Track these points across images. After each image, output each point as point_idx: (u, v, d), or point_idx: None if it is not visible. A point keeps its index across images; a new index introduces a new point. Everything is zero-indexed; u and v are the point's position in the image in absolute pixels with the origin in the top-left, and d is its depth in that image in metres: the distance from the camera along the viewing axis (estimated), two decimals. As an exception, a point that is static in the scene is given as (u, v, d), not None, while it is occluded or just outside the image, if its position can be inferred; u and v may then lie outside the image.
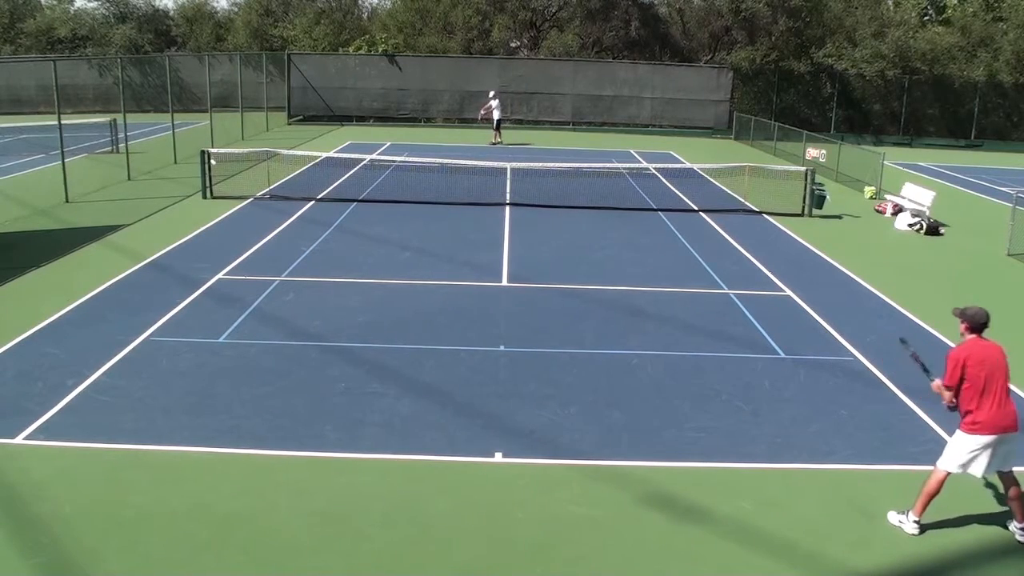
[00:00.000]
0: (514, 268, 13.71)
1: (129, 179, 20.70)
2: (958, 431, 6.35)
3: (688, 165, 24.52)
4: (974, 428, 6.22)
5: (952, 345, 10.49)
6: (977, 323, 6.40)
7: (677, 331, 10.98)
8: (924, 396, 8.91)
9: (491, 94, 30.64)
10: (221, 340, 10.07)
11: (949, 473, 6.39)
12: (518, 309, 11.71)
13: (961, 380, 6.25)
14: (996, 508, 6.90)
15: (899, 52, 36.52)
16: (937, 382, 6.46)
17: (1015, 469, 6.43)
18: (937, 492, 6.41)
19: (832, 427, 8.29)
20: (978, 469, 6.30)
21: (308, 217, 17.10)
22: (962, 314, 6.51)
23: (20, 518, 6.33)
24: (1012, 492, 6.42)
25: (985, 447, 6.21)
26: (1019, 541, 6.43)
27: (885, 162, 22.22)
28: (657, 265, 14.31)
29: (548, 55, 38.55)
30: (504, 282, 12.99)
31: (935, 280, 14.24)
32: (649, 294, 12.57)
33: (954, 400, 6.33)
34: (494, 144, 29.37)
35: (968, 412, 6.26)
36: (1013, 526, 6.52)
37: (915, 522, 6.49)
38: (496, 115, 29.74)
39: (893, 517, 6.63)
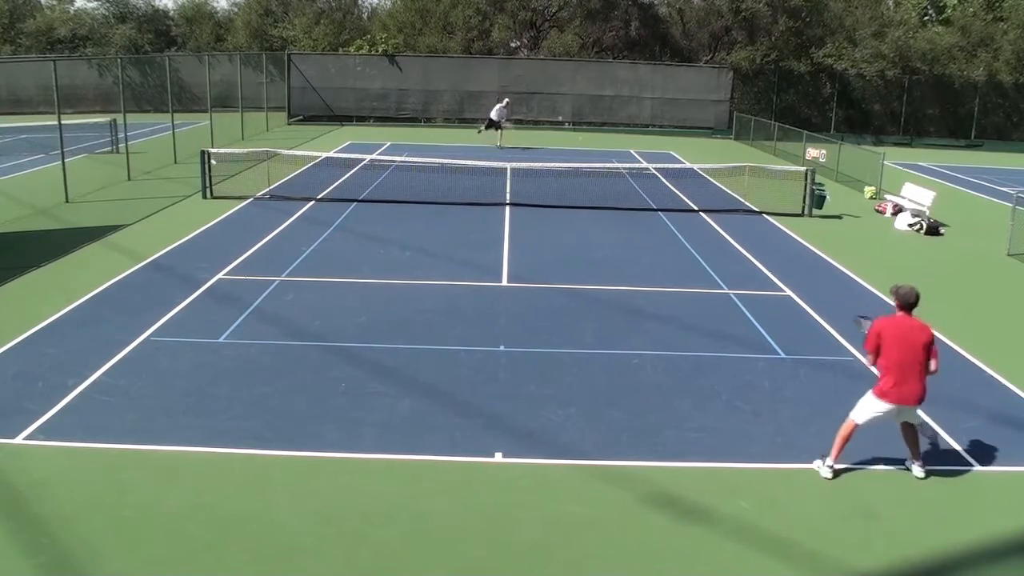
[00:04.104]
0: (514, 268, 13.70)
1: (129, 179, 20.70)
2: (869, 391, 7.20)
3: (688, 165, 24.52)
4: (880, 395, 7.09)
5: (955, 348, 10.51)
6: (906, 302, 7.13)
7: (677, 331, 10.97)
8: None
9: (506, 101, 30.32)
10: (221, 340, 10.07)
11: (858, 424, 7.22)
12: (518, 309, 11.70)
13: (879, 349, 7.06)
14: (996, 508, 6.90)
15: (899, 52, 36.54)
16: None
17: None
18: (848, 438, 7.24)
19: (832, 427, 8.22)
20: (878, 423, 7.23)
21: (308, 217, 17.10)
22: (895, 292, 7.24)
23: (20, 518, 6.33)
24: (908, 435, 7.33)
25: (887, 412, 7.11)
26: (917, 477, 7.28)
27: (885, 162, 22.22)
28: (657, 265, 14.31)
29: (548, 55, 38.56)
30: (504, 282, 12.99)
31: (935, 280, 14.23)
32: (649, 294, 12.57)
33: (875, 363, 7.18)
34: (501, 147, 29.12)
35: (880, 379, 7.12)
36: (908, 462, 7.39)
37: (829, 467, 7.27)
38: (495, 116, 29.61)
39: (816, 463, 7.38)
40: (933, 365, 7.05)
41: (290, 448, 7.53)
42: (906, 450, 7.40)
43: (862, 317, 7.61)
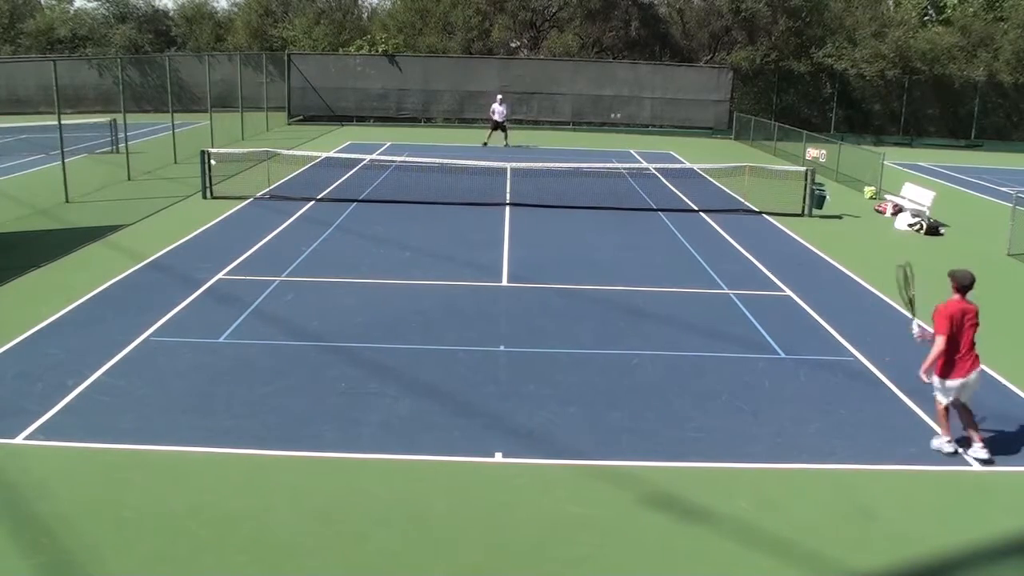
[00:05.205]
0: (514, 268, 13.70)
1: (129, 179, 20.70)
2: (941, 379, 7.62)
3: (688, 165, 24.52)
4: (959, 374, 7.54)
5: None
6: (961, 284, 7.70)
7: (677, 331, 10.97)
8: (924, 396, 8.92)
9: (499, 98, 30.30)
10: (221, 340, 10.07)
11: (947, 407, 7.67)
12: (518, 309, 11.70)
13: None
14: (995, 507, 6.90)
15: (899, 52, 36.53)
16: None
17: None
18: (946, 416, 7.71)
19: (832, 427, 8.29)
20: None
21: (308, 217, 17.10)
22: (952, 275, 7.87)
23: (20, 518, 6.33)
24: (967, 417, 7.71)
25: (963, 386, 7.56)
26: (978, 459, 7.59)
27: (885, 162, 22.22)
28: (657, 265, 14.31)
29: (548, 55, 38.55)
30: (504, 282, 12.99)
31: (935, 280, 14.19)
32: (649, 294, 12.57)
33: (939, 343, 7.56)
34: (506, 146, 29.06)
35: (948, 360, 7.59)
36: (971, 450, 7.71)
37: (948, 441, 7.71)
38: (498, 117, 29.52)
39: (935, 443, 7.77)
40: None
41: (290, 448, 7.53)
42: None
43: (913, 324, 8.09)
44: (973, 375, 7.55)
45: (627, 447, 7.78)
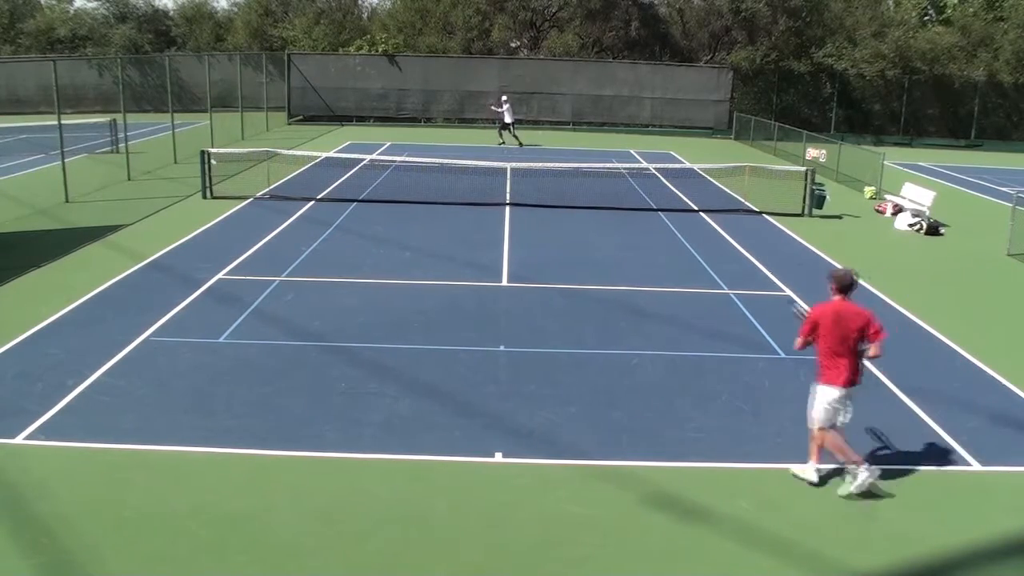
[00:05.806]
0: (514, 268, 13.70)
1: (129, 179, 20.70)
2: (821, 385, 7.01)
3: (688, 165, 24.53)
4: (832, 382, 6.92)
5: (955, 348, 10.53)
6: (841, 285, 6.93)
7: (677, 331, 10.97)
8: (924, 396, 8.94)
9: (504, 97, 30.40)
10: (221, 340, 10.07)
11: (827, 428, 6.99)
12: (518, 309, 11.70)
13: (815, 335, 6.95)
14: (993, 507, 6.90)
15: (899, 52, 36.54)
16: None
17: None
18: (827, 444, 7.01)
19: (832, 427, 8.27)
20: (840, 414, 6.96)
21: (308, 217, 17.10)
22: (831, 276, 7.05)
23: (20, 518, 6.33)
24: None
25: (843, 398, 6.89)
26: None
27: (885, 162, 22.21)
28: (657, 265, 14.31)
29: (548, 55, 38.56)
30: (504, 282, 12.99)
31: (935, 280, 14.24)
32: (649, 294, 12.57)
33: (802, 347, 7.14)
34: (521, 145, 29.13)
35: (825, 368, 6.98)
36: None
37: (816, 470, 7.09)
38: (508, 118, 29.53)
39: (799, 468, 7.16)
40: (872, 351, 6.78)
41: (290, 448, 7.53)
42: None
43: (794, 305, 7.85)
44: (852, 388, 6.84)
45: (628, 447, 7.78)
